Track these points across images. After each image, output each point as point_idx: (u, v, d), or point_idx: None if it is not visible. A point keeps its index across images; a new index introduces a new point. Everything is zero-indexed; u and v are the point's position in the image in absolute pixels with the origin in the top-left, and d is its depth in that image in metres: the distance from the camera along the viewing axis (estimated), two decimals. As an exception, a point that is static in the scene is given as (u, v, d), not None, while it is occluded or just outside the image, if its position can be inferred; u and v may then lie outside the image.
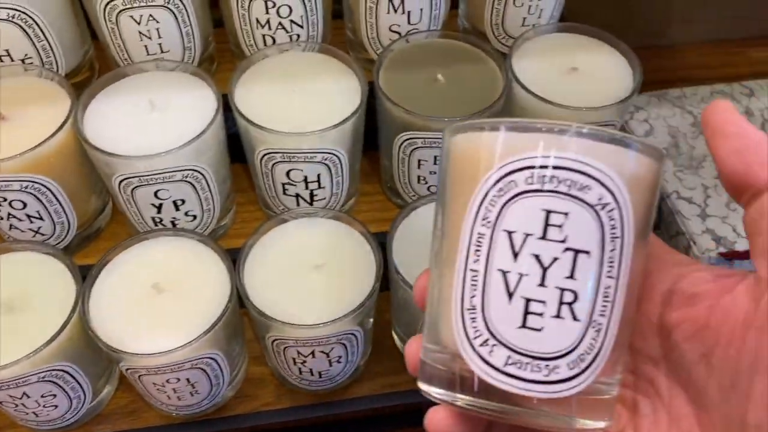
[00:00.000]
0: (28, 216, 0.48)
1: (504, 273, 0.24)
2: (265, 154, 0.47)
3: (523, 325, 0.23)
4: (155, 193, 0.46)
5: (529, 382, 0.24)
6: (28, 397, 0.44)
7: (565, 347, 0.24)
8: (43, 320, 0.42)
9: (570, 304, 0.23)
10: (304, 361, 0.47)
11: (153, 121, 0.47)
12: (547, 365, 0.24)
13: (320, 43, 0.52)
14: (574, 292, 0.23)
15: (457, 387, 0.25)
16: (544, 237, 0.23)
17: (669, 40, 0.80)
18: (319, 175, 0.49)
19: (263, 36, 0.52)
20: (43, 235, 0.50)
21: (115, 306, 0.43)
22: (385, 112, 0.49)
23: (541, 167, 0.23)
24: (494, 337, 0.24)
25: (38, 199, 0.47)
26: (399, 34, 0.54)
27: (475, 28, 0.58)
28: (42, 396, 0.44)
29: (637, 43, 0.52)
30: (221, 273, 0.45)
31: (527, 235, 0.23)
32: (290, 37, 0.52)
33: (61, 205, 0.48)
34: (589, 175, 0.23)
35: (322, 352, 0.45)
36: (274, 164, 0.48)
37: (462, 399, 0.25)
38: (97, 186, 0.52)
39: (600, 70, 0.51)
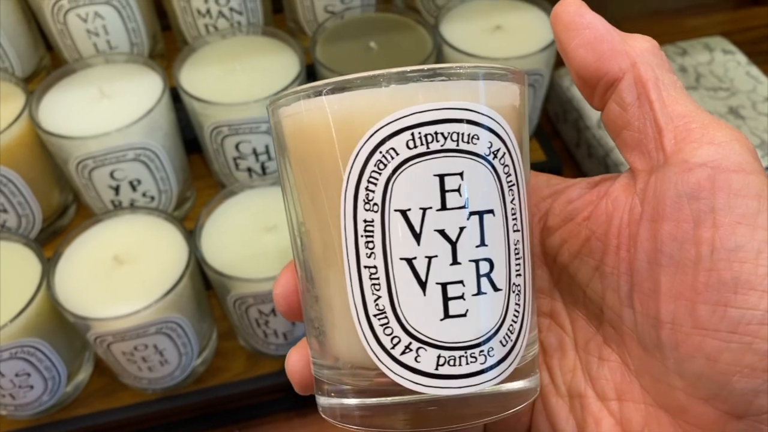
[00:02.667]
0: (-6, 210, 0.50)
1: (409, 261, 0.20)
2: (213, 129, 0.50)
3: (447, 315, 0.20)
4: (111, 174, 0.49)
5: (468, 377, 0.20)
6: (3, 375, 0.45)
7: (494, 324, 0.20)
8: (12, 300, 0.44)
9: (488, 274, 0.20)
10: (267, 321, 0.49)
11: (104, 107, 0.49)
12: (481, 351, 0.20)
13: (260, 26, 0.55)
14: (489, 260, 0.20)
15: (377, 409, 0.21)
16: (444, 207, 0.19)
17: (607, 16, 0.84)
18: (267, 146, 0.51)
19: (206, 26, 0.55)
20: (9, 229, 0.52)
21: (79, 279, 0.45)
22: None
23: (423, 124, 0.19)
24: (416, 339, 0.20)
25: (0, 191, 0.49)
26: (334, 13, 0.57)
27: (408, 6, 0.62)
28: (16, 375, 0.46)
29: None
30: (178, 241, 0.47)
31: (424, 209, 0.19)
32: (231, 24, 0.56)
33: (23, 196, 0.50)
34: (475, 123, 0.20)
35: (281, 308, 0.47)
36: (223, 138, 0.50)
37: (388, 421, 0.21)
38: (60, 181, 0.55)
39: (524, 26, 0.54)
